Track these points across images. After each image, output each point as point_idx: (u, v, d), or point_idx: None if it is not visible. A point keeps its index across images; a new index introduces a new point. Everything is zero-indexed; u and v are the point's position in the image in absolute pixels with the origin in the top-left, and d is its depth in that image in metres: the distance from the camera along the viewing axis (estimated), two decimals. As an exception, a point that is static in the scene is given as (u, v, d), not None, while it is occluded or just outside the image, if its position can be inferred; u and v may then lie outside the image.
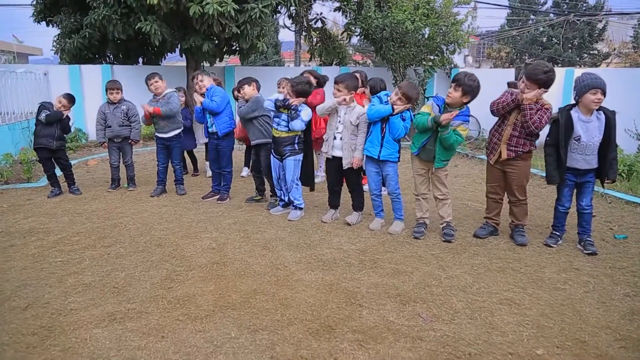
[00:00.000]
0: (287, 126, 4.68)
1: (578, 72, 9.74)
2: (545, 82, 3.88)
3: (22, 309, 3.02)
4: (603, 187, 4.24)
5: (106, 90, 5.93)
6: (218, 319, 2.89)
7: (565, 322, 2.85)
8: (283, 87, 5.42)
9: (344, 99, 4.46)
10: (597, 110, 3.87)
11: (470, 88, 3.98)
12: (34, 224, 4.76)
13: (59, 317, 2.93)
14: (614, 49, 28.68)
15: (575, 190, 4.10)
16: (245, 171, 7.09)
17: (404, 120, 4.27)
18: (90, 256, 3.91)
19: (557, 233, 4.19)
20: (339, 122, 4.59)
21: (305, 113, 4.71)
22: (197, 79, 5.35)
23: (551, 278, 3.47)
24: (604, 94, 3.80)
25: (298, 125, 4.64)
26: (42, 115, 5.52)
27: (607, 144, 3.89)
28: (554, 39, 26.74)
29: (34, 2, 10.92)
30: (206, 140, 5.70)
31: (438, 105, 4.20)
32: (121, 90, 5.98)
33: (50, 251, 4.03)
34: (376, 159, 4.39)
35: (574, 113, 3.91)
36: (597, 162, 3.94)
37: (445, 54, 11.03)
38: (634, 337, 2.70)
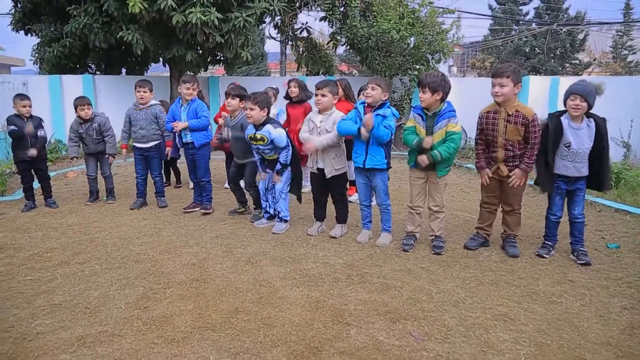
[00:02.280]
0: (271, 151, 4.54)
1: (564, 80, 9.78)
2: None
3: (-17, 334, 2.81)
4: (604, 192, 4.18)
5: (75, 108, 5.63)
6: (196, 341, 2.70)
7: (563, 339, 2.71)
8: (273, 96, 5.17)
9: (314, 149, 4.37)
10: (588, 117, 3.79)
11: (435, 84, 3.91)
12: (5, 239, 4.52)
13: (23, 341, 2.71)
14: (595, 59, 29.15)
15: (566, 199, 4.01)
16: (229, 182, 6.90)
17: (384, 117, 4.12)
18: (63, 274, 3.69)
19: (549, 243, 4.08)
20: (318, 132, 4.44)
21: (278, 140, 4.46)
22: (183, 85, 5.15)
23: (546, 291, 3.34)
24: (584, 100, 3.71)
25: (287, 156, 4.54)
26: (9, 129, 5.39)
27: (600, 151, 3.81)
28: (536, 48, 27.11)
29: (13, 11, 10.69)
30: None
31: (420, 115, 4.09)
32: (91, 105, 5.75)
33: (20, 269, 3.80)
34: (363, 168, 4.24)
35: (564, 120, 3.83)
36: (587, 170, 3.86)
37: (430, 63, 11.00)
38: (636, 354, 2.57)
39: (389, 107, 4.17)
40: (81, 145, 5.79)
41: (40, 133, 5.52)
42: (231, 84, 6.43)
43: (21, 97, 5.45)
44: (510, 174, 3.94)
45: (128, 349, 2.63)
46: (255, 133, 4.54)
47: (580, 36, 27.45)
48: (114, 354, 2.58)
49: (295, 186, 4.78)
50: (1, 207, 5.72)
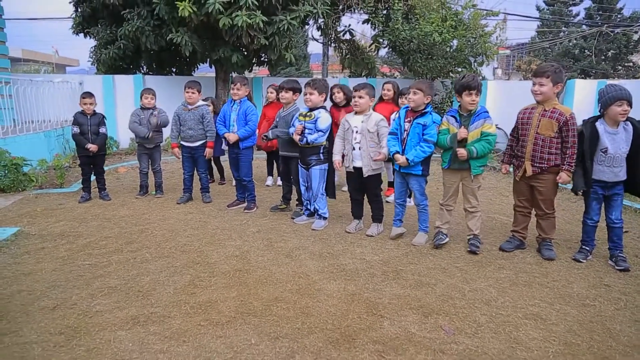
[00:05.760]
0: (311, 131, 4.74)
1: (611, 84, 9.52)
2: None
3: (50, 309, 3.11)
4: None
5: (140, 97, 6.20)
6: (239, 325, 2.91)
7: (594, 340, 2.76)
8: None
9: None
10: (624, 120, 3.79)
11: (481, 86, 4.09)
12: (65, 227, 4.90)
13: (84, 318, 3.00)
14: (650, 61, 27.88)
15: (604, 204, 3.99)
16: (270, 180, 7.14)
17: (424, 126, 4.23)
18: (117, 260, 4.00)
19: (587, 248, 4.07)
20: (357, 132, 4.58)
21: (322, 121, 4.74)
22: (234, 85, 5.41)
23: (580, 294, 3.37)
24: (630, 105, 3.73)
25: (317, 138, 4.71)
26: (72, 131, 5.95)
27: (636, 154, 3.80)
28: (586, 50, 26.21)
29: (74, 15, 11.37)
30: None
31: (454, 117, 4.18)
32: (154, 97, 6.23)
33: (79, 254, 4.14)
34: (399, 171, 4.37)
35: (600, 125, 3.85)
36: (625, 174, 3.84)
37: (473, 66, 10.93)
38: (668, 358, 2.59)
39: (431, 114, 4.26)
40: (135, 136, 6.26)
41: (101, 130, 5.95)
42: (270, 85, 6.71)
43: (84, 95, 5.95)
44: (537, 176, 4.01)
45: (177, 329, 2.86)
46: (307, 112, 4.83)
47: (636, 37, 26.31)
48: (165, 333, 2.82)
49: (327, 185, 4.97)
50: (60, 198, 6.16)
